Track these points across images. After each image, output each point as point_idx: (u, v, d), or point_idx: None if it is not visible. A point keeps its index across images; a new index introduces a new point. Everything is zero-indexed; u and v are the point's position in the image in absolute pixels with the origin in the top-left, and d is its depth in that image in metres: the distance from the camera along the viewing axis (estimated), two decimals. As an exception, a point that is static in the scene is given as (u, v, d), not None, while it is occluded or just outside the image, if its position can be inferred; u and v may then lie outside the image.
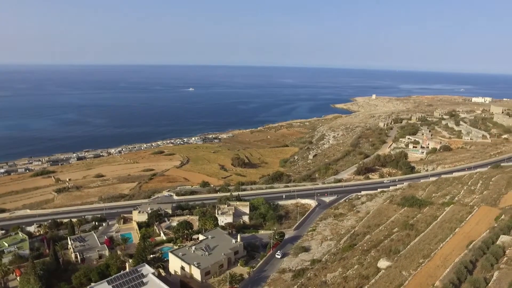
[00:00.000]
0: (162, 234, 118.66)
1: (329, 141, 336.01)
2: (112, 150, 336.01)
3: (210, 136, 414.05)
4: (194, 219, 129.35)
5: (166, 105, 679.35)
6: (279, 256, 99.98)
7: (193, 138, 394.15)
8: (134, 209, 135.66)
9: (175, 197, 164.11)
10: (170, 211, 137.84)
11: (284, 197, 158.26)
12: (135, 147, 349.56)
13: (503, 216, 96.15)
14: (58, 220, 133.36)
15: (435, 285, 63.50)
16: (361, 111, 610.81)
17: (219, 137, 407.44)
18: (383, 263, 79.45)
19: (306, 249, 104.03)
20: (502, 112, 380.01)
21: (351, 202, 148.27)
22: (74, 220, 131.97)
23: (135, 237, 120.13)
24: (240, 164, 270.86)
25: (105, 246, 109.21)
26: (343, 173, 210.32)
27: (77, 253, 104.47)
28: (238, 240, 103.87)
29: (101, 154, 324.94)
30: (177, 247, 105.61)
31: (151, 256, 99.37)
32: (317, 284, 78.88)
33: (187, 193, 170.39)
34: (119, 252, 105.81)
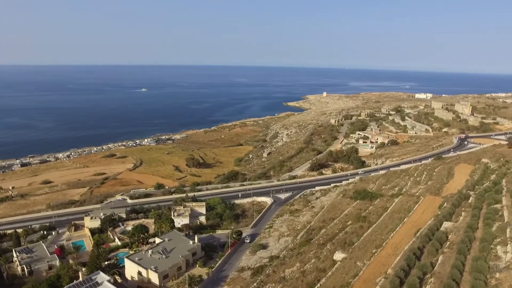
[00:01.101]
0: (116, 240, 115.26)
1: (282, 139, 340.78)
2: (60, 155, 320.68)
3: (164, 137, 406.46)
4: (149, 222, 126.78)
5: (117, 106, 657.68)
6: (248, 241, 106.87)
7: (146, 140, 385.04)
8: (86, 215, 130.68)
9: (129, 201, 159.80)
10: (124, 216, 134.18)
11: (240, 196, 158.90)
12: (85, 151, 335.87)
13: (445, 204, 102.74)
14: (0, 231, 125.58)
15: (387, 272, 66.57)
16: (312, 109, 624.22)
17: (173, 138, 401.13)
18: (338, 255, 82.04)
19: (264, 246, 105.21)
20: (442, 107, 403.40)
21: (306, 198, 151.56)
22: (19, 230, 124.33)
23: (88, 244, 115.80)
24: (194, 164, 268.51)
25: (55, 256, 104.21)
26: (297, 170, 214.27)
27: (24, 265, 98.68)
28: (196, 241, 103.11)
29: (48, 159, 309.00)
30: (133, 252, 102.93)
31: (106, 263, 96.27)
32: (276, 280, 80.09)
33: (142, 196, 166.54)
34: (71, 261, 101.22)
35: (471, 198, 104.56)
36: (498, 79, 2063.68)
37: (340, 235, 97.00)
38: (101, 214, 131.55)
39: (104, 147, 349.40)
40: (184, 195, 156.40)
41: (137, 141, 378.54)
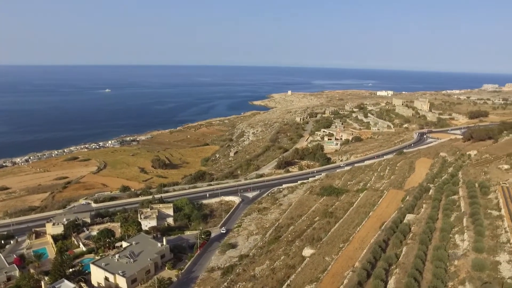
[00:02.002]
0: (81, 245, 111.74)
1: (249, 138, 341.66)
2: (18, 160, 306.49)
3: (128, 138, 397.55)
4: (115, 226, 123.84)
5: (79, 108, 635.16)
6: (224, 231, 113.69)
7: (109, 142, 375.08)
8: (48, 222, 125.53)
9: (94, 205, 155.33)
10: (89, 220, 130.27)
11: (208, 195, 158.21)
12: (44, 155, 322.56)
13: (407, 197, 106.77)
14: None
15: (355, 266, 68.42)
16: (278, 107, 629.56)
17: (138, 139, 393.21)
18: (307, 251, 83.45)
19: (233, 246, 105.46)
20: (402, 104, 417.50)
21: (274, 196, 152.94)
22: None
23: (51, 251, 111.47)
24: (161, 165, 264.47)
25: (15, 266, 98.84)
26: (264, 168, 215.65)
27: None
28: (164, 243, 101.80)
29: (4, 164, 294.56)
30: (99, 257, 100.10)
31: (71, 270, 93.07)
32: (246, 278, 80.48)
33: (107, 200, 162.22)
34: (32, 271, 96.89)
35: (431, 191, 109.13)
36: (451, 76, 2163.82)
37: (308, 231, 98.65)
38: (64, 219, 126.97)
39: (65, 150, 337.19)
40: (150, 197, 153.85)
41: (101, 143, 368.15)
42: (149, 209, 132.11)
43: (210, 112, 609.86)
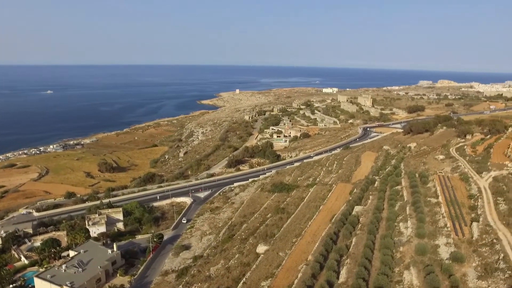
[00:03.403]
0: (23, 258, 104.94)
1: (198, 137, 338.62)
2: None
3: (72, 142, 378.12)
4: (61, 235, 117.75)
5: (17, 111, 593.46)
6: (185, 221, 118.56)
7: (51, 146, 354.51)
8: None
9: (36, 214, 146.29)
10: (31, 231, 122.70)
11: (158, 198, 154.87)
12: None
13: (355, 190, 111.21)
14: None
15: (308, 259, 70.20)
16: (226, 106, 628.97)
17: (82, 142, 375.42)
18: (261, 248, 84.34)
19: (186, 247, 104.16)
20: (347, 100, 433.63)
21: (226, 195, 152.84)
22: None
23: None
24: (108, 169, 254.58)
25: None
26: (215, 168, 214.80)
27: None
28: (115, 249, 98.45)
29: None
30: (44, 269, 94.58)
31: (11, 286, 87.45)
32: (202, 279, 79.86)
33: (50, 207, 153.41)
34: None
35: (376, 183, 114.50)
36: (391, 73, 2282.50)
37: (261, 228, 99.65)
38: (2, 231, 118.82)
39: (1, 157, 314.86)
40: (98, 202, 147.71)
41: (41, 148, 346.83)
42: (97, 215, 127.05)
43: (158, 112, 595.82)
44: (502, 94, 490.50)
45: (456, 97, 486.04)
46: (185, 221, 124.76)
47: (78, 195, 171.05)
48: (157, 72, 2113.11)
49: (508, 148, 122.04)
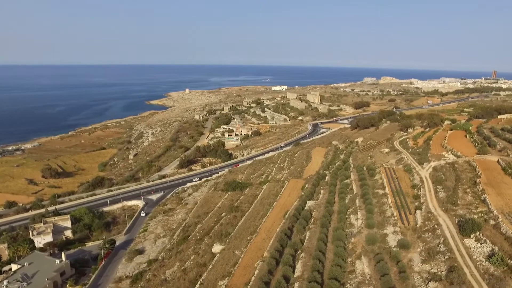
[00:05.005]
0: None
1: (148, 139, 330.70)
2: None
3: (10, 148, 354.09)
4: (2, 248, 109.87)
5: None
6: (143, 215, 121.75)
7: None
8: None
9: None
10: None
11: (108, 202, 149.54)
12: None
13: (307, 185, 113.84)
14: None
15: (264, 256, 71.00)
16: (176, 106, 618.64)
17: (22, 148, 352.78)
18: (217, 248, 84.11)
19: (140, 251, 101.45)
20: (296, 98, 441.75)
21: (179, 196, 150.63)
22: None
23: None
24: (52, 175, 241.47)
25: None
26: (166, 169, 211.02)
27: None
28: (63, 259, 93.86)
29: None
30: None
31: None
32: (158, 283, 78.31)
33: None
34: None
35: (327, 177, 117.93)
36: (337, 71, 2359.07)
37: (216, 228, 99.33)
38: None
39: None
40: (43, 210, 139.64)
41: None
42: (42, 224, 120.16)
43: (105, 114, 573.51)
44: (438, 90, 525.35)
45: (398, 93, 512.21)
46: (143, 214, 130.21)
47: (20, 204, 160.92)
48: (103, 72, 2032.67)
49: (445, 140, 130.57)
